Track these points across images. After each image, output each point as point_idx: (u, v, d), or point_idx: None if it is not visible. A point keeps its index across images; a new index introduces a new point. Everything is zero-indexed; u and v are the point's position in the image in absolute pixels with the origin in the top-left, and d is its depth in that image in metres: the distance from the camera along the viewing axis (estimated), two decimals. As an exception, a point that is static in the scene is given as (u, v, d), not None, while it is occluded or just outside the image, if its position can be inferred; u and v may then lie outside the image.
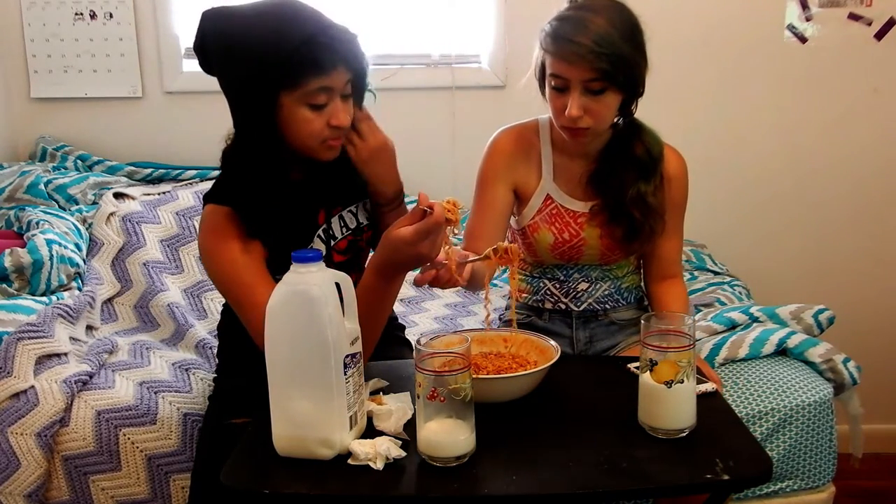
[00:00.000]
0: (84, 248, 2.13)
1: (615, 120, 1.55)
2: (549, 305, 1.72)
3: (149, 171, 2.44)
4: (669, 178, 1.62)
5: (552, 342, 1.40)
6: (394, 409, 1.25)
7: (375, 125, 1.49)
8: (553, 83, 1.49)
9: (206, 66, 1.41)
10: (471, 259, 1.39)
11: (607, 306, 1.70)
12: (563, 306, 1.71)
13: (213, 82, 2.62)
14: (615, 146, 1.60)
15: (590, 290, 1.69)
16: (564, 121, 1.50)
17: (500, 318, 1.88)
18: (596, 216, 1.62)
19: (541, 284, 1.71)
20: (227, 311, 1.65)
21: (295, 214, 1.45)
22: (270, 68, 1.30)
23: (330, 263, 1.41)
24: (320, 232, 1.50)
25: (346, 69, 1.36)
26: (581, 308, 1.70)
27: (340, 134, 1.41)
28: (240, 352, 1.51)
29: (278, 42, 1.29)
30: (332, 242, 1.52)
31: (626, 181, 1.57)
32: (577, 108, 1.46)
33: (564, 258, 1.67)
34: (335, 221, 1.52)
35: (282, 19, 1.32)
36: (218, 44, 1.36)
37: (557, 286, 1.70)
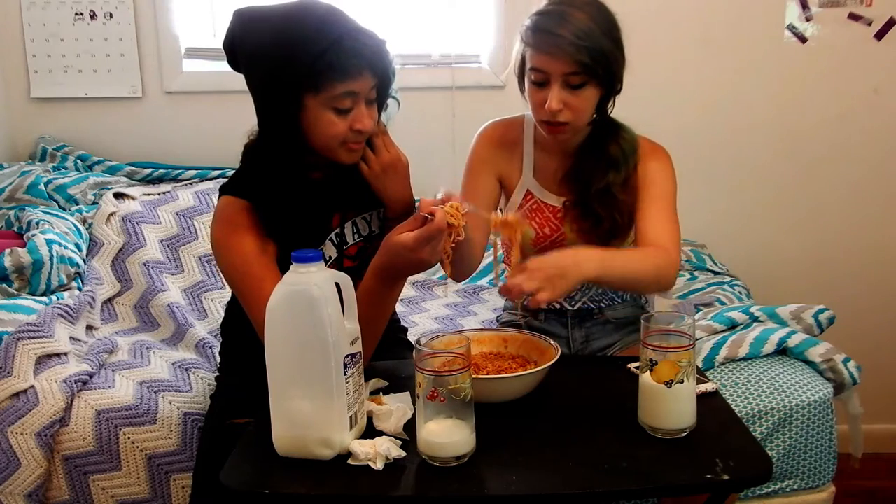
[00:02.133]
0: (84, 248, 2.13)
1: (593, 116, 1.55)
2: (543, 305, 1.70)
3: (149, 171, 2.44)
4: (645, 158, 1.58)
5: (552, 342, 1.40)
6: (394, 409, 1.25)
7: (390, 140, 1.49)
8: (533, 77, 1.50)
9: (234, 65, 1.42)
10: (474, 210, 1.34)
11: (602, 304, 1.70)
12: (557, 305, 1.71)
13: (213, 82, 2.63)
14: (592, 143, 1.60)
15: (583, 288, 1.69)
16: (544, 115, 1.50)
17: (497, 320, 1.88)
18: (568, 211, 1.62)
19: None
20: (230, 309, 1.65)
21: (310, 215, 1.45)
22: (296, 71, 1.30)
23: (340, 268, 1.41)
24: (332, 235, 1.50)
25: (372, 75, 1.36)
26: (576, 307, 1.70)
27: (362, 138, 1.41)
28: (243, 350, 1.51)
29: (305, 45, 1.30)
30: (344, 247, 1.52)
31: (596, 177, 1.57)
32: (556, 102, 1.47)
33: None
34: (348, 227, 1.52)
35: (309, 22, 1.32)
36: (245, 44, 1.37)
37: None
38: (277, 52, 1.32)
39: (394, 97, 1.48)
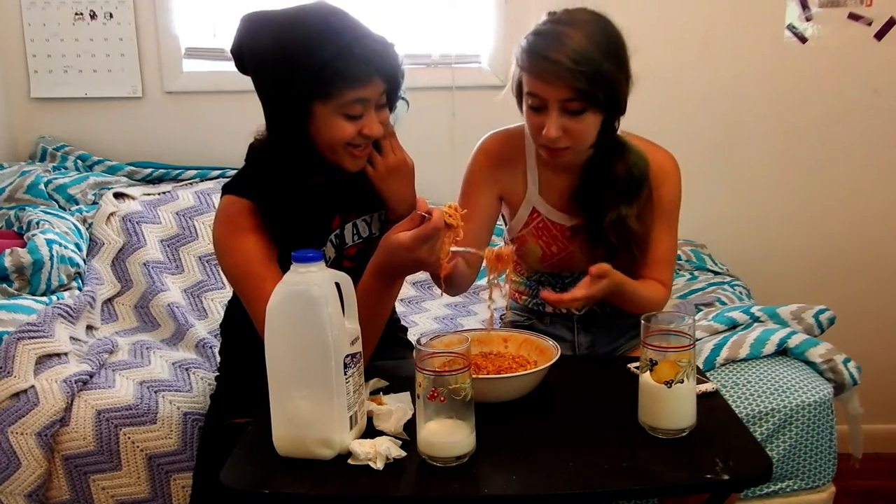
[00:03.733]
0: (84, 248, 2.13)
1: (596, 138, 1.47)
2: (549, 310, 1.69)
3: (149, 171, 2.44)
4: (658, 183, 1.53)
5: (552, 342, 1.39)
6: (394, 409, 1.25)
7: (397, 142, 1.49)
8: (530, 102, 1.42)
9: (242, 69, 1.41)
10: (464, 250, 1.35)
11: (608, 308, 1.66)
12: (563, 310, 1.68)
13: (213, 82, 2.63)
14: (597, 163, 1.51)
15: None
16: (542, 140, 1.43)
17: (500, 318, 1.88)
18: (577, 234, 1.56)
19: (539, 289, 1.67)
20: (230, 309, 1.65)
21: (312, 216, 1.44)
22: (305, 79, 1.30)
23: (339, 269, 1.40)
24: (332, 237, 1.50)
25: (382, 80, 1.36)
26: (582, 311, 1.67)
27: (369, 142, 1.41)
28: (243, 350, 1.51)
29: (314, 53, 1.29)
30: (343, 248, 1.52)
31: (606, 202, 1.50)
32: (555, 129, 1.39)
33: (556, 269, 1.64)
34: (348, 228, 1.52)
35: (319, 29, 1.31)
36: (253, 50, 1.36)
37: (557, 291, 1.66)
38: (285, 59, 1.31)
39: (403, 98, 1.47)
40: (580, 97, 1.37)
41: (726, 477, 1.10)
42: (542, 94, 1.39)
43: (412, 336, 1.80)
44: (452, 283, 1.55)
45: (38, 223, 2.09)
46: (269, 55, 1.34)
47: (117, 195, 2.30)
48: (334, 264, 1.50)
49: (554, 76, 1.36)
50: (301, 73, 1.30)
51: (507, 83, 1.50)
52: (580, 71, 1.34)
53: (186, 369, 1.84)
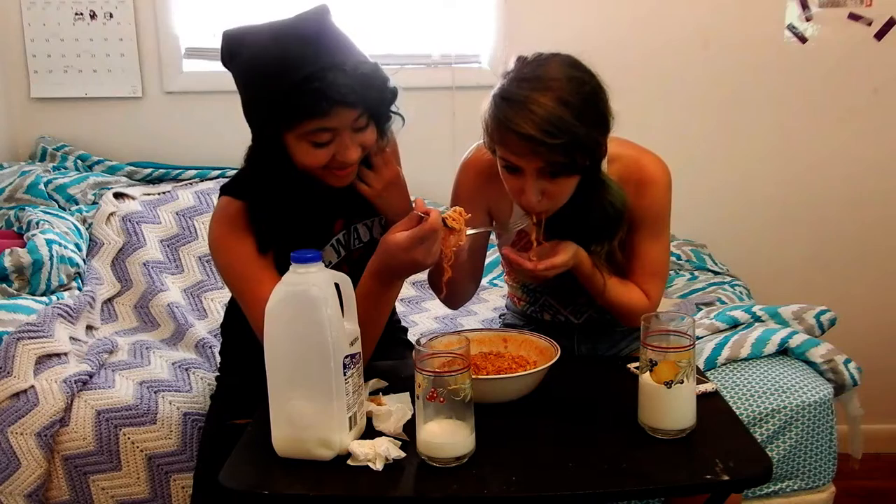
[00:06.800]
0: (84, 248, 2.13)
1: None
2: (547, 317, 1.67)
3: (149, 171, 2.44)
4: (639, 193, 1.45)
5: (552, 342, 1.39)
6: (393, 409, 1.25)
7: (388, 157, 1.47)
8: (503, 164, 1.35)
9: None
10: (473, 231, 1.34)
11: (607, 315, 1.62)
12: (562, 318, 1.65)
13: (213, 82, 2.63)
14: (573, 203, 1.41)
15: (589, 300, 1.59)
16: (523, 204, 1.38)
17: (500, 317, 1.88)
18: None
19: (538, 295, 1.66)
20: (230, 309, 1.65)
21: (312, 221, 1.44)
22: (270, 106, 1.29)
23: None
24: (334, 241, 1.50)
25: (350, 108, 1.30)
26: (581, 320, 1.65)
27: (347, 166, 1.37)
28: (243, 350, 1.51)
29: (275, 82, 1.27)
30: (344, 253, 1.52)
31: (583, 241, 1.44)
32: (535, 195, 1.33)
33: (551, 283, 1.57)
34: (350, 233, 1.52)
35: (284, 56, 1.27)
36: (231, 66, 1.36)
37: (555, 298, 1.65)
38: (254, 83, 1.31)
39: (398, 114, 1.44)
40: (556, 166, 1.30)
41: (726, 477, 1.10)
42: (516, 163, 1.32)
43: (412, 336, 1.80)
44: (453, 291, 1.52)
45: (37, 223, 2.09)
46: (240, 78, 1.34)
47: (117, 195, 2.30)
48: (337, 268, 1.50)
49: (526, 150, 1.28)
50: (268, 100, 1.29)
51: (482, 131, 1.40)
52: (555, 144, 1.25)
53: (186, 369, 1.84)
